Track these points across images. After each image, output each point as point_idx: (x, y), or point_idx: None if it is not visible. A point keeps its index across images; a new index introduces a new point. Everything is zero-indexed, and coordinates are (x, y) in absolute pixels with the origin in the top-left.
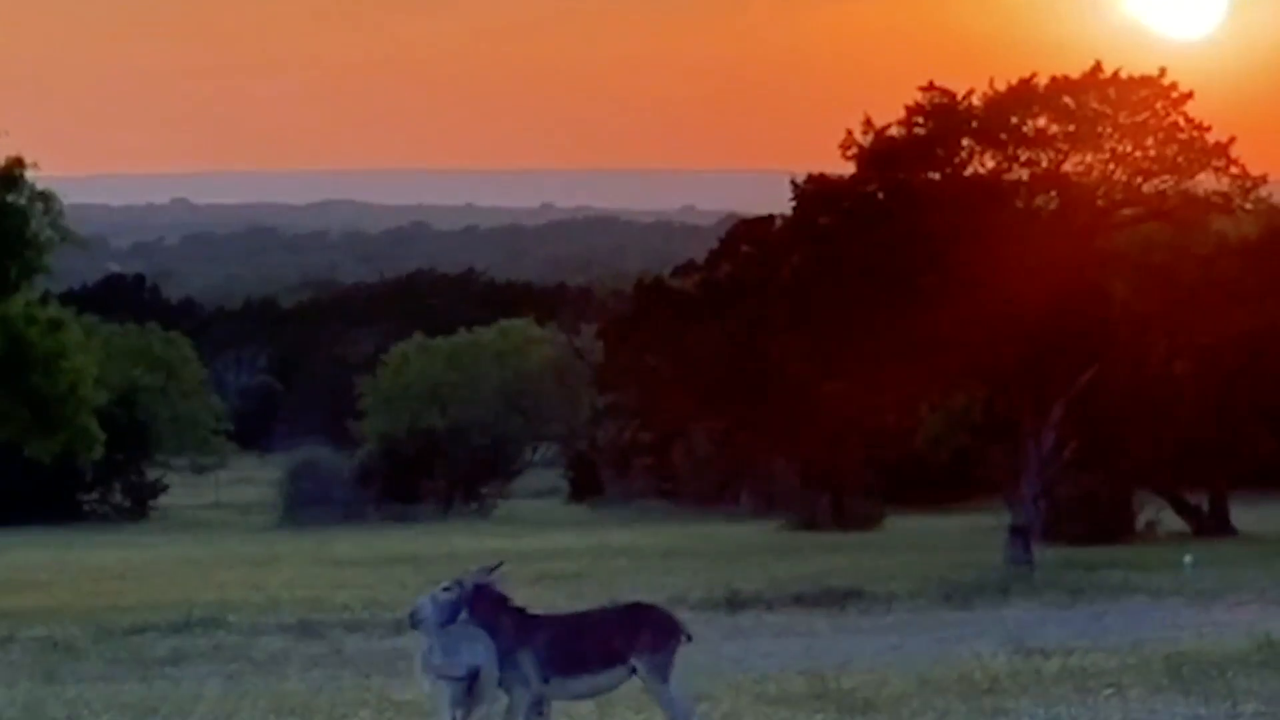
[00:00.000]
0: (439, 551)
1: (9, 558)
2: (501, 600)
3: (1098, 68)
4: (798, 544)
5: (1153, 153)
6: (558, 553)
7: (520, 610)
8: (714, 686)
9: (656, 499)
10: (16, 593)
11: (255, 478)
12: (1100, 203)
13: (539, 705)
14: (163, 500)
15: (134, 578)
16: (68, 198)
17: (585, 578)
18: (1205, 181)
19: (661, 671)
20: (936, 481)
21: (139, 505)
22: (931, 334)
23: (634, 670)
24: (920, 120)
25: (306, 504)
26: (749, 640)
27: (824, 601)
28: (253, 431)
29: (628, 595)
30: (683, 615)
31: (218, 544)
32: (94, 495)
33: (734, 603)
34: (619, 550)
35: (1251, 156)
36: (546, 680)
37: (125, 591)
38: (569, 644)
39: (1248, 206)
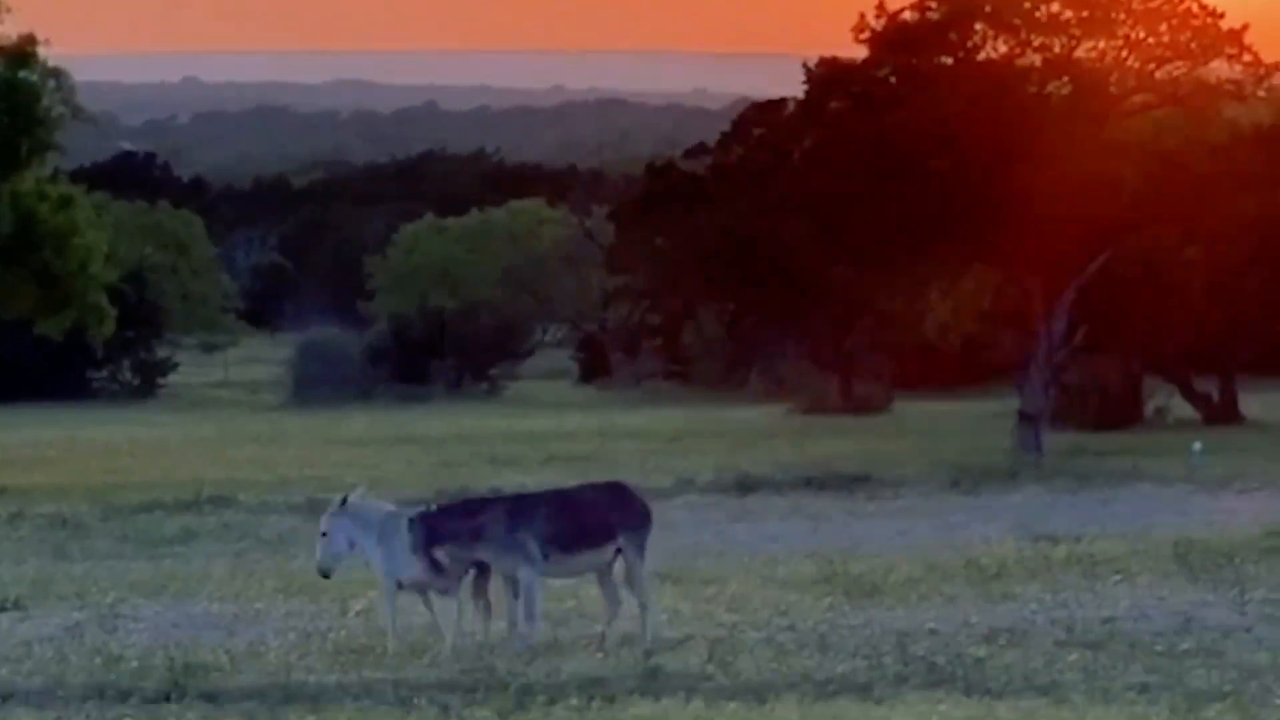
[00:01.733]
0: (448, 432)
1: (18, 435)
2: (480, 502)
3: None
4: (807, 428)
5: (1166, 39)
6: (567, 434)
7: (507, 497)
8: (723, 569)
9: (666, 381)
10: (26, 470)
11: (265, 357)
12: (1113, 89)
13: (484, 595)
14: (172, 378)
15: (143, 456)
16: (79, 75)
17: (594, 460)
18: (1218, 69)
19: (641, 550)
20: (946, 367)
21: (148, 383)
22: (941, 219)
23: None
24: (933, 4)
25: (316, 383)
26: (757, 523)
27: (833, 486)
28: (262, 310)
29: (637, 478)
30: (691, 499)
31: (227, 423)
32: (103, 373)
33: (743, 486)
34: (628, 432)
35: (1265, 44)
36: (547, 557)
37: (134, 469)
38: (564, 521)
39: (1260, 94)
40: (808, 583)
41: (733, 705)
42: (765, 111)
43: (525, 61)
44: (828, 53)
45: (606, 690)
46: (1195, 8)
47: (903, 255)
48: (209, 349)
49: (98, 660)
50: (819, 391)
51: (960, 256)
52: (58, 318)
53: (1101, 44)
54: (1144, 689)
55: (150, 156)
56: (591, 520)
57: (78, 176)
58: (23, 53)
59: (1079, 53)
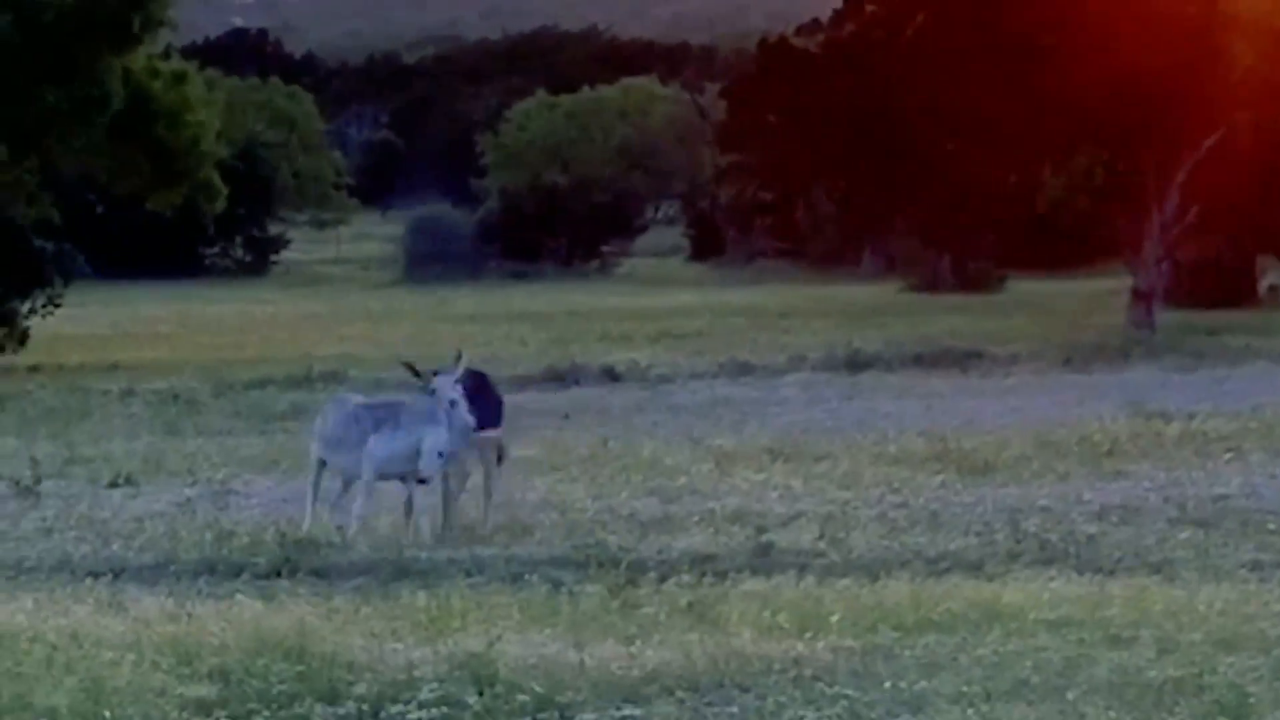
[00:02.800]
0: (559, 308)
1: (131, 310)
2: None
3: None
4: (918, 305)
5: None
6: (678, 311)
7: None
8: (834, 446)
9: (777, 259)
10: (138, 346)
11: (376, 234)
12: None
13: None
14: (284, 255)
15: (254, 332)
16: None
17: (705, 336)
18: None
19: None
20: (1058, 244)
21: (260, 260)
22: (1052, 94)
23: None
24: None
25: (427, 260)
26: (869, 401)
27: (944, 363)
28: (374, 187)
29: (747, 354)
30: (802, 376)
31: (338, 299)
32: (215, 249)
33: (854, 363)
34: (740, 309)
35: None
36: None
37: (245, 346)
38: None
39: None
40: (919, 460)
41: (844, 582)
42: None
43: None
44: None
45: (718, 566)
46: None
47: (1015, 131)
48: (320, 226)
49: (209, 536)
50: (931, 269)
51: (1073, 133)
52: (169, 194)
53: None
54: (1255, 566)
55: (262, 33)
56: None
57: (190, 53)
58: None
59: None
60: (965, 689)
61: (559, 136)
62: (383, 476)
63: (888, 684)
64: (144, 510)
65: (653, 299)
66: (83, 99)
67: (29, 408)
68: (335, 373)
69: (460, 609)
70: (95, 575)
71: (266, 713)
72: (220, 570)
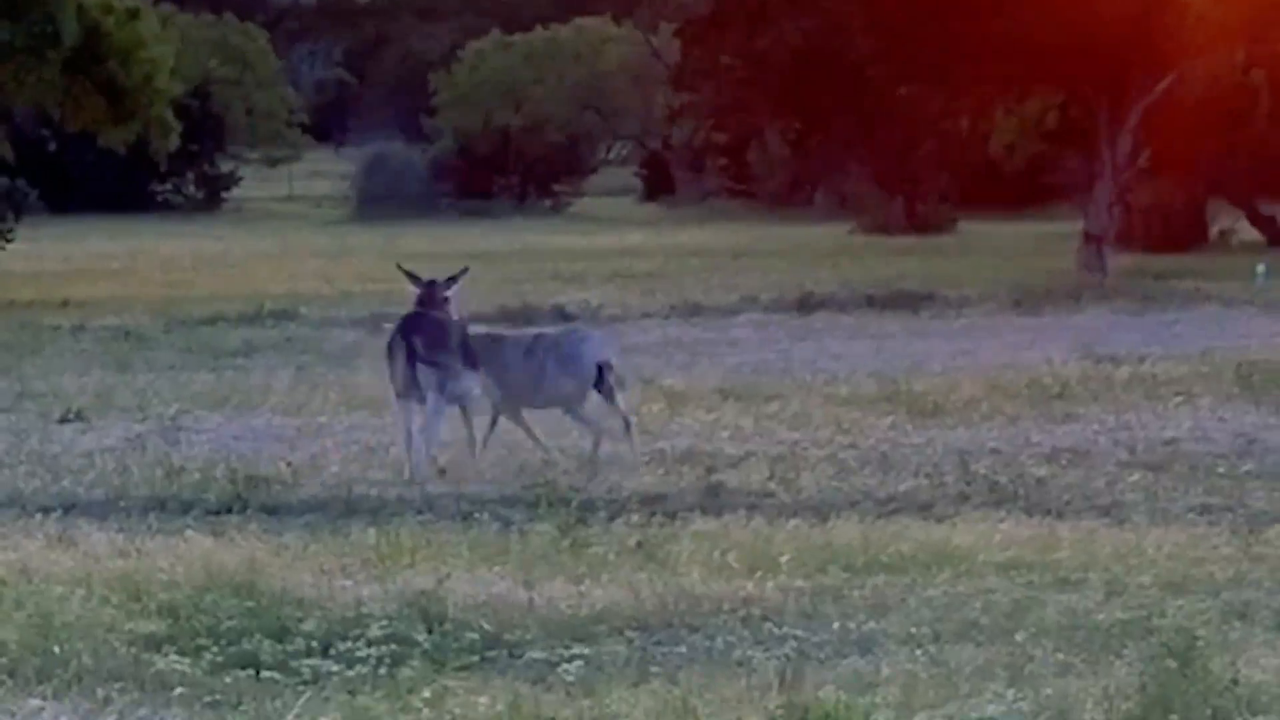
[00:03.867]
0: (512, 248)
1: (81, 246)
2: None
3: None
4: (871, 247)
5: None
6: (631, 251)
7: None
8: (784, 386)
9: (730, 199)
10: (89, 282)
11: (328, 171)
12: None
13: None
14: (236, 192)
15: (206, 269)
16: None
17: (657, 276)
18: None
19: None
20: (1009, 188)
21: (212, 197)
22: (1004, 37)
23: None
24: None
25: (379, 198)
26: (820, 341)
27: (896, 304)
28: (326, 125)
29: (699, 295)
30: (754, 316)
31: (290, 236)
32: (167, 186)
33: (806, 304)
34: (692, 250)
35: None
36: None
37: (197, 282)
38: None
39: None
40: (870, 401)
41: (794, 522)
42: None
43: None
44: None
45: (668, 506)
46: None
47: (968, 74)
48: (273, 163)
49: (159, 472)
50: (883, 211)
51: (1024, 76)
52: (122, 130)
53: None
54: (1205, 510)
55: None
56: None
57: None
58: None
59: None
60: (914, 630)
61: (512, 76)
62: None
63: (836, 624)
64: (94, 445)
65: (605, 239)
66: (36, 34)
67: None
68: (286, 310)
69: (410, 546)
70: (45, 510)
71: (215, 648)
72: (170, 506)
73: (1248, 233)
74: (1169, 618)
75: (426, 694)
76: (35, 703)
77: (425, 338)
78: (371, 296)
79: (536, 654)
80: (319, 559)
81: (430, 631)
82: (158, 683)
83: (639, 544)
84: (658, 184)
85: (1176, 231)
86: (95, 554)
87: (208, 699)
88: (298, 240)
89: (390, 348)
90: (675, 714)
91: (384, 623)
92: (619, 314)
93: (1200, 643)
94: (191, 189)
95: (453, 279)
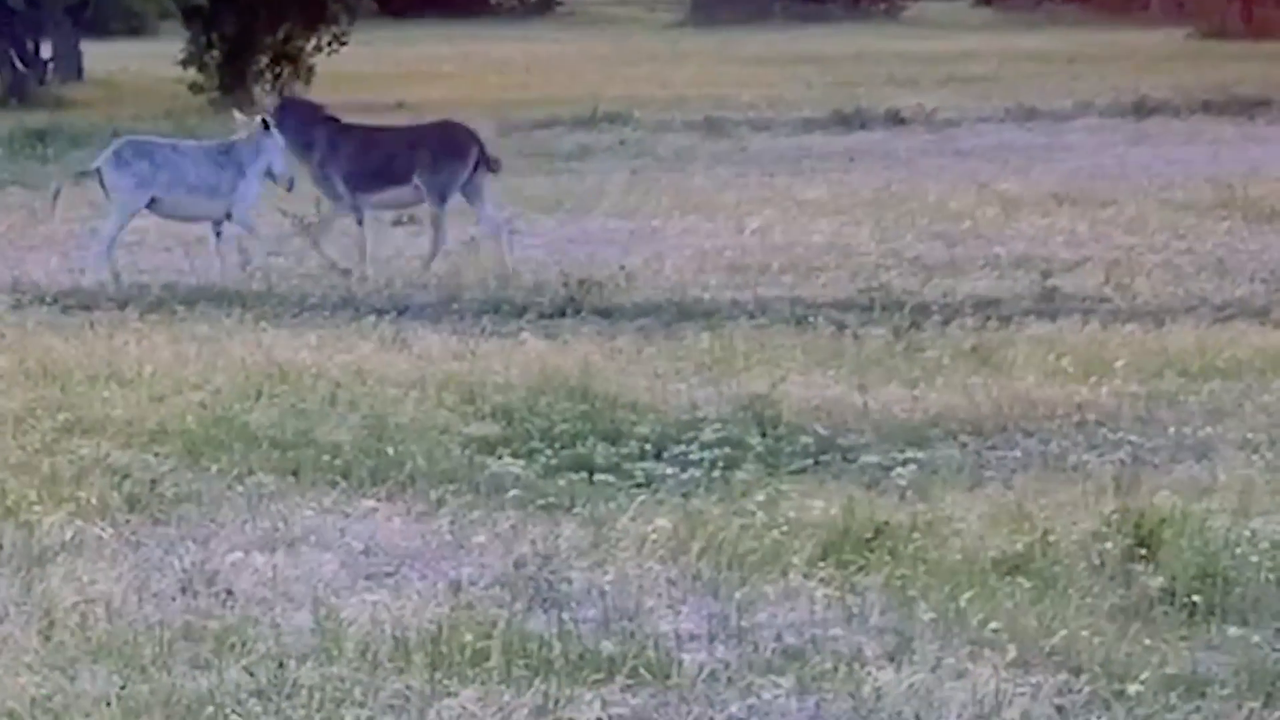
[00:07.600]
0: (845, 52)
1: (414, 50)
2: (314, 110)
3: None
4: (1206, 51)
5: None
6: (965, 55)
7: (334, 121)
8: (1119, 191)
9: (1065, 3)
10: (423, 85)
11: None
12: None
13: (358, 215)
14: None
15: (540, 72)
16: None
17: (991, 80)
18: None
19: (439, 192)
20: None
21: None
22: None
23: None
24: None
25: (714, 2)
26: (1155, 146)
27: (1232, 109)
28: None
29: (1034, 100)
30: (1089, 121)
31: (623, 40)
32: None
33: (1141, 109)
34: (1027, 54)
35: None
36: (353, 194)
37: (531, 86)
38: (365, 161)
39: None
40: (1205, 206)
41: (1129, 327)
42: None
43: None
44: None
45: (1002, 310)
46: None
47: None
48: None
49: (492, 276)
50: (1220, 14)
51: None
52: None
53: None
54: None
55: None
56: (384, 162)
57: None
58: None
59: None
60: (1250, 435)
61: None
62: None
63: (1172, 430)
64: (428, 248)
65: (940, 43)
66: None
67: None
68: (620, 114)
69: (744, 350)
70: (379, 313)
71: (549, 451)
72: (504, 310)
73: None
74: None
75: (760, 497)
76: (369, 504)
77: None
78: (706, 100)
79: (870, 458)
80: (653, 362)
81: (764, 435)
82: (492, 485)
83: (974, 348)
84: None
85: None
86: (429, 356)
87: (541, 502)
88: (632, 44)
89: None
90: (1009, 518)
91: (718, 426)
92: (953, 118)
93: None
94: None
95: None
